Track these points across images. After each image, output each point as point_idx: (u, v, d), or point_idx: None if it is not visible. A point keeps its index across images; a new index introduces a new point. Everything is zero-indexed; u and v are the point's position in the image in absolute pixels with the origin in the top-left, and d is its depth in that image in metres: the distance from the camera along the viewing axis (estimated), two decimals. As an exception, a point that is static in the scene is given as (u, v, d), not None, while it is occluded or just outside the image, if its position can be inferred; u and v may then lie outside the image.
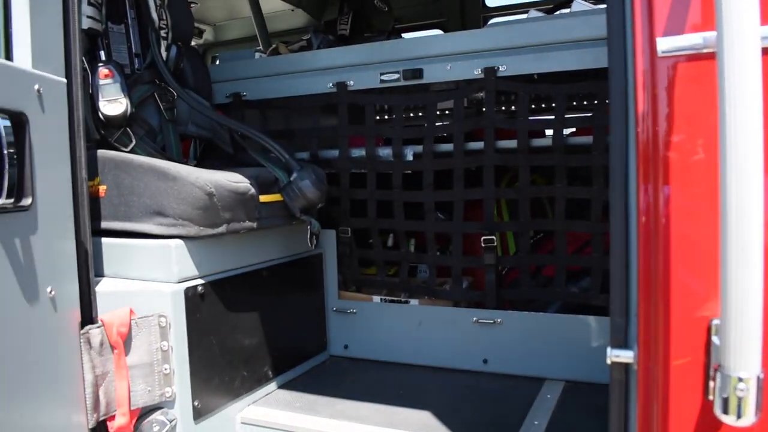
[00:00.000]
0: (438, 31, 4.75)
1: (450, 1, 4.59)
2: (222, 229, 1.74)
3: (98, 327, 1.52)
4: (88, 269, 1.54)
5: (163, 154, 2.05)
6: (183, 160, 2.17)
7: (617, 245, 1.13)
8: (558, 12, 2.89)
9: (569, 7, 2.84)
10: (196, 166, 2.37)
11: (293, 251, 2.18)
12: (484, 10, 4.53)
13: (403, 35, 4.63)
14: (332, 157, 2.34)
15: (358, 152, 2.30)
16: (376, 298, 2.35)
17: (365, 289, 2.42)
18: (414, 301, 2.30)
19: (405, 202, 2.24)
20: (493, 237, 2.13)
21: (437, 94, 2.16)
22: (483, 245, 2.13)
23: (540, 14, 2.58)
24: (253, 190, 1.82)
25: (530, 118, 2.04)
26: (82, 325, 1.50)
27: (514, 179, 2.61)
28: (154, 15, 2.14)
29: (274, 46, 2.57)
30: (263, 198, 1.87)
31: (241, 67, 2.50)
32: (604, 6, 2.48)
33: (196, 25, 4.95)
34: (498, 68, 2.04)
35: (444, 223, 2.31)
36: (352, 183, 2.32)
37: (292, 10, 4.72)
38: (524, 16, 4.30)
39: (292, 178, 1.93)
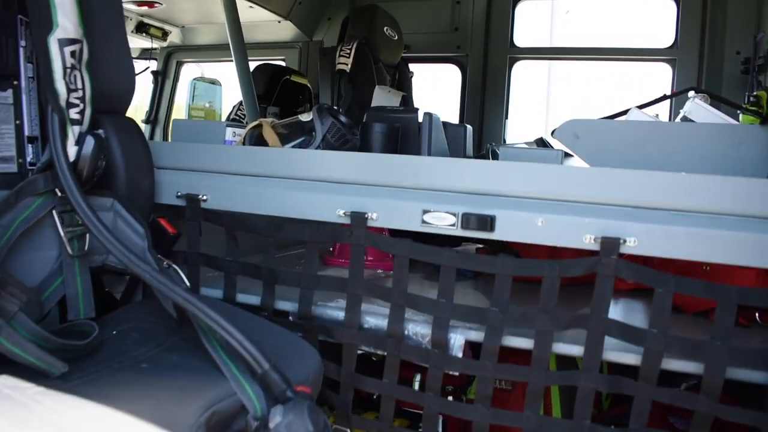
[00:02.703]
0: (453, 67, 3.94)
1: (472, 32, 3.77)
2: None
3: None
4: None
5: (55, 342, 1.17)
6: (92, 326, 1.30)
7: None
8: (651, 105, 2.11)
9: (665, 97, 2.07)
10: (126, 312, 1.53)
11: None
12: (511, 50, 3.73)
13: (411, 66, 3.82)
14: (333, 320, 1.52)
15: (375, 321, 1.48)
16: None
17: None
18: None
19: (443, 414, 1.43)
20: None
21: (514, 263, 1.35)
22: None
23: (645, 115, 1.80)
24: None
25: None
26: None
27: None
28: (59, 84, 1.27)
29: (255, 123, 1.71)
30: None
31: (203, 154, 1.64)
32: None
33: (160, 26, 4.04)
34: (624, 241, 1.25)
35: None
36: (360, 365, 1.50)
37: (279, 22, 3.86)
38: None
39: (272, 424, 1.09)
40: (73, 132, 1.30)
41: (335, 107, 3.13)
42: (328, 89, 3.23)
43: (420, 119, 1.97)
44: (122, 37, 1.53)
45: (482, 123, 3.88)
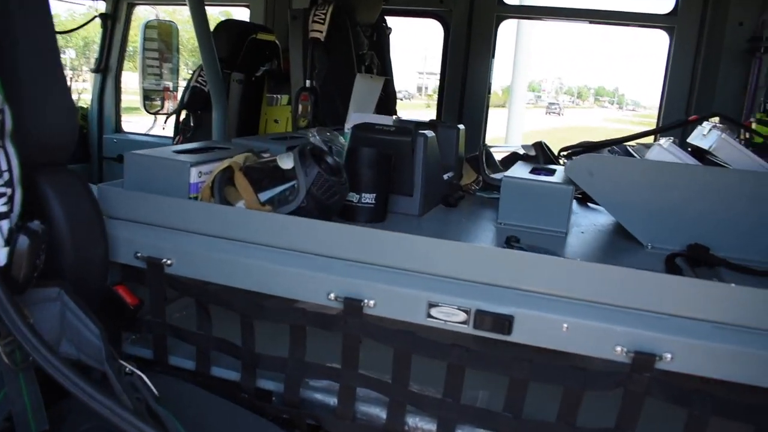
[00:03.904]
0: (435, 23, 3.61)
1: (458, -15, 3.44)
2: None
3: None
4: None
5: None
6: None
7: None
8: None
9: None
10: None
11: None
12: (499, 8, 3.43)
13: (389, 20, 3.49)
14: (323, 406, 1.35)
15: (372, 410, 1.32)
16: None
17: None
18: None
19: None
20: None
21: (532, 369, 1.18)
22: None
23: (668, 154, 1.61)
24: None
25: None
26: None
27: None
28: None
29: (224, 166, 1.46)
30: None
31: (166, 209, 1.40)
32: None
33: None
34: (661, 357, 1.10)
35: None
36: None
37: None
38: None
39: None
40: (1, 231, 1.04)
41: (311, 82, 2.85)
42: (299, 57, 2.90)
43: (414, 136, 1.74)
44: (59, 75, 1.25)
45: (464, 83, 3.64)
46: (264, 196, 1.44)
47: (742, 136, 2.05)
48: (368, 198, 1.59)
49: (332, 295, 1.25)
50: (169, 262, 1.36)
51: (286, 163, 1.43)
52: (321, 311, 1.28)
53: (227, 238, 1.36)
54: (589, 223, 1.86)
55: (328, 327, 1.27)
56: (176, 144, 3.51)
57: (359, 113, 2.32)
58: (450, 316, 1.19)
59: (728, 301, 1.10)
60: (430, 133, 1.81)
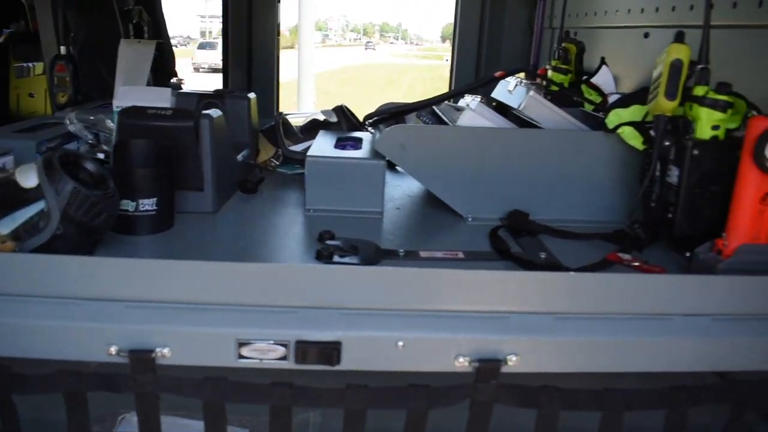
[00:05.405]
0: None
1: None
2: None
3: None
4: None
5: None
6: None
7: None
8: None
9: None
10: None
11: None
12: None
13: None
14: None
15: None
16: None
17: None
18: None
19: None
20: None
21: (368, 394, 1.02)
22: None
23: (481, 119, 1.52)
24: None
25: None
26: None
27: None
28: None
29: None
30: None
31: None
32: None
33: None
34: (506, 361, 0.99)
35: None
36: None
37: None
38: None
39: None
40: None
41: (66, 49, 2.35)
42: (48, 17, 2.37)
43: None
44: None
45: (250, 26, 3.35)
46: (4, 226, 1.08)
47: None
48: (148, 204, 1.29)
49: (113, 349, 0.97)
50: None
51: (29, 179, 1.07)
52: (103, 369, 1.00)
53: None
54: (402, 195, 1.74)
55: (115, 389, 0.99)
56: None
57: (128, 86, 1.94)
58: (265, 354, 0.98)
59: (567, 290, 1.02)
60: (216, 113, 1.53)
